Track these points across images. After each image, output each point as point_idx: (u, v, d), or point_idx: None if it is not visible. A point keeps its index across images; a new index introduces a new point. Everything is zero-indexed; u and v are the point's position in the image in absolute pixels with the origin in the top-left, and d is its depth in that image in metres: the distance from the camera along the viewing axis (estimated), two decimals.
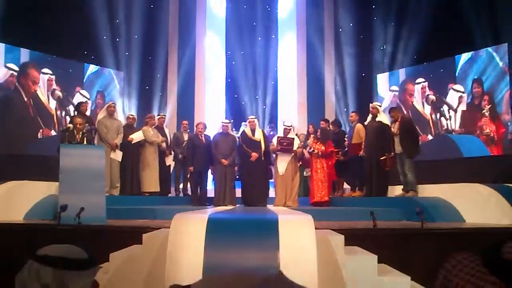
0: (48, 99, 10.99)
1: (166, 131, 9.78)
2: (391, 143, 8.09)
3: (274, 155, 8.65)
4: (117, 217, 6.43)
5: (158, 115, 10.02)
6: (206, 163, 8.86)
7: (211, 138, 8.96)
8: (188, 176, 9.22)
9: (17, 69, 10.28)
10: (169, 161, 9.47)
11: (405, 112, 11.54)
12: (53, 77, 11.07)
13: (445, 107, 11.12)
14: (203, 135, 8.92)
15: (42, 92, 10.87)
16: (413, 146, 7.90)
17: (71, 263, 1.43)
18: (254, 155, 8.34)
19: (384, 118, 8.74)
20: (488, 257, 1.15)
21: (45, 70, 10.94)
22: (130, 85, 12.98)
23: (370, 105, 8.81)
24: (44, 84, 10.89)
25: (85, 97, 11.78)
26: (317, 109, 12.78)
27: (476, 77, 10.41)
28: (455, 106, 10.85)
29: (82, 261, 1.46)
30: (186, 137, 9.40)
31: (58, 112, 11.16)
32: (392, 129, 8.10)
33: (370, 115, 8.65)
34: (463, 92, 10.68)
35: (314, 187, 8.37)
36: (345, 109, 12.87)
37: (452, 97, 10.90)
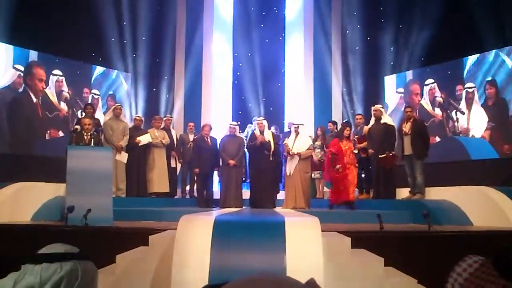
0: (59, 101, 11.05)
1: (173, 132, 9.81)
2: (394, 143, 8.10)
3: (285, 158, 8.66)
4: (123, 219, 6.45)
5: (165, 116, 10.06)
6: (212, 165, 8.88)
7: (218, 140, 8.98)
8: (195, 178, 9.24)
9: (22, 69, 10.31)
10: (174, 162, 9.49)
11: None
12: (63, 78, 11.12)
13: (453, 109, 11.05)
14: (208, 137, 8.93)
15: (52, 93, 10.92)
16: (423, 148, 7.88)
17: (75, 255, 1.44)
18: (260, 137, 8.37)
19: (388, 119, 8.73)
20: (498, 260, 1.14)
21: (55, 71, 11.00)
22: (137, 86, 13.01)
23: (372, 107, 8.78)
24: (53, 85, 10.94)
25: (96, 94, 11.86)
26: (324, 111, 12.75)
27: (489, 78, 10.32)
28: (464, 108, 10.78)
29: (81, 253, 1.47)
30: (191, 138, 9.42)
31: (70, 113, 11.21)
32: (404, 129, 8.07)
33: (373, 118, 8.61)
34: (474, 88, 10.57)
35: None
36: (352, 112, 12.83)
37: (467, 99, 10.80)
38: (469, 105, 10.70)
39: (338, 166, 7.99)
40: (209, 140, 8.92)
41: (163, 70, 13.19)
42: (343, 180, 7.98)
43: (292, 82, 13.60)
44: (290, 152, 8.32)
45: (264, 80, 13.47)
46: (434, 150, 9.38)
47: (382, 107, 9.09)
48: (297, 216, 5.47)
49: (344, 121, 10.69)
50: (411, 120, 8.03)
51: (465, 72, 10.85)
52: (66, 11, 10.35)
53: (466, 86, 10.78)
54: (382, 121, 8.51)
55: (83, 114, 8.91)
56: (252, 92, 13.41)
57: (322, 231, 3.51)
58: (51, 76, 10.91)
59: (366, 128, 8.82)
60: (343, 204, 8.00)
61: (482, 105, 10.40)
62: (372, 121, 8.63)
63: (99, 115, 10.99)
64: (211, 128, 9.18)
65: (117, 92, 12.56)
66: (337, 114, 12.76)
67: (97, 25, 11.53)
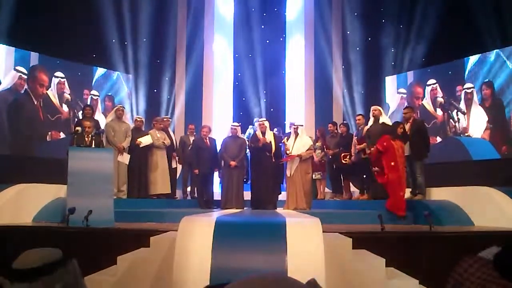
0: (61, 103, 11.06)
1: (171, 133, 9.80)
2: None
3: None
4: (125, 220, 6.45)
5: (164, 117, 10.04)
6: (211, 166, 8.89)
7: (218, 141, 8.99)
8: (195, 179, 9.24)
9: (26, 72, 10.33)
10: (175, 163, 9.49)
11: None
12: (64, 80, 11.13)
13: (454, 109, 11.05)
14: (207, 138, 8.94)
15: (54, 95, 10.93)
16: (423, 149, 7.87)
17: (48, 267, 1.42)
18: (262, 139, 8.40)
19: (386, 119, 8.74)
20: (498, 261, 1.14)
21: (57, 73, 11.01)
22: (138, 88, 13.02)
23: (372, 108, 8.76)
24: (55, 87, 10.96)
25: (95, 95, 11.87)
26: (325, 112, 12.74)
27: (486, 79, 10.33)
28: (464, 109, 10.79)
29: (58, 262, 1.46)
30: (192, 140, 9.42)
31: (72, 115, 11.22)
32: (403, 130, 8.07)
33: (372, 118, 8.60)
34: (473, 88, 10.59)
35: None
36: (353, 112, 12.82)
37: (466, 99, 10.81)
38: (468, 105, 10.71)
39: (376, 168, 7.24)
40: (208, 141, 8.93)
41: (164, 71, 13.20)
42: (400, 182, 7.13)
43: (293, 83, 13.59)
44: (288, 152, 8.32)
45: (265, 81, 13.48)
46: (435, 151, 9.38)
47: (381, 107, 9.10)
48: (298, 217, 5.47)
49: (343, 122, 10.66)
50: (410, 120, 8.02)
51: (466, 72, 10.84)
52: (67, 13, 10.35)
53: (465, 86, 10.78)
54: (380, 121, 8.51)
55: (83, 115, 8.89)
56: (253, 93, 13.41)
57: (323, 231, 3.51)
58: (53, 78, 10.93)
59: (365, 128, 8.81)
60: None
61: (481, 106, 10.42)
62: (371, 122, 8.61)
63: (98, 116, 11.01)
64: (210, 129, 9.19)
65: (118, 93, 12.56)
66: (338, 115, 12.75)
67: (98, 26, 11.55)
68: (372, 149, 7.79)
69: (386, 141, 7.23)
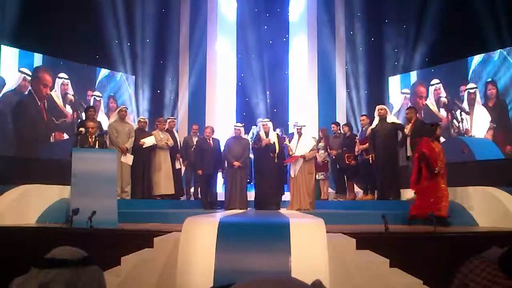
0: (64, 104, 11.08)
1: (176, 134, 9.81)
2: (404, 141, 8.07)
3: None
4: (128, 221, 6.45)
5: (168, 118, 10.05)
6: (214, 167, 8.88)
7: (221, 141, 9.00)
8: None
9: (30, 73, 10.36)
10: (178, 164, 9.50)
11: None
12: (68, 81, 11.15)
13: (457, 109, 11.01)
14: (211, 139, 8.94)
15: (57, 96, 10.95)
16: None
17: (78, 261, 1.43)
18: (266, 140, 8.40)
19: (394, 118, 8.70)
20: (504, 261, 1.13)
21: (61, 75, 11.03)
22: (142, 88, 13.03)
23: (377, 107, 8.72)
24: (59, 88, 10.98)
25: (98, 96, 11.88)
26: (328, 112, 12.72)
27: (490, 79, 10.30)
28: (468, 109, 10.75)
29: (86, 258, 1.46)
30: (195, 141, 9.43)
31: (75, 116, 11.23)
32: (405, 130, 8.08)
33: (378, 118, 8.57)
34: (476, 88, 10.56)
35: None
36: (356, 112, 12.80)
37: (469, 99, 10.78)
38: (471, 105, 10.68)
39: (437, 169, 6.45)
40: (211, 141, 8.93)
41: (167, 72, 13.22)
42: (435, 188, 6.52)
43: (296, 83, 13.59)
44: (291, 153, 8.32)
45: (268, 81, 13.48)
46: None
47: (386, 107, 9.09)
48: (301, 217, 5.46)
49: (346, 122, 10.64)
50: (412, 121, 8.02)
51: (470, 72, 10.81)
52: (70, 14, 10.37)
53: (468, 86, 10.75)
54: (389, 121, 8.48)
55: (85, 116, 8.90)
56: (256, 93, 13.42)
57: (327, 232, 3.51)
58: (56, 79, 10.95)
59: (369, 128, 8.78)
60: (432, 218, 5.81)
61: (483, 106, 10.38)
62: (376, 121, 8.58)
63: (101, 116, 11.03)
64: (212, 130, 9.19)
65: (121, 94, 12.58)
66: (341, 115, 12.73)
67: (101, 27, 11.57)
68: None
69: (428, 144, 6.60)
